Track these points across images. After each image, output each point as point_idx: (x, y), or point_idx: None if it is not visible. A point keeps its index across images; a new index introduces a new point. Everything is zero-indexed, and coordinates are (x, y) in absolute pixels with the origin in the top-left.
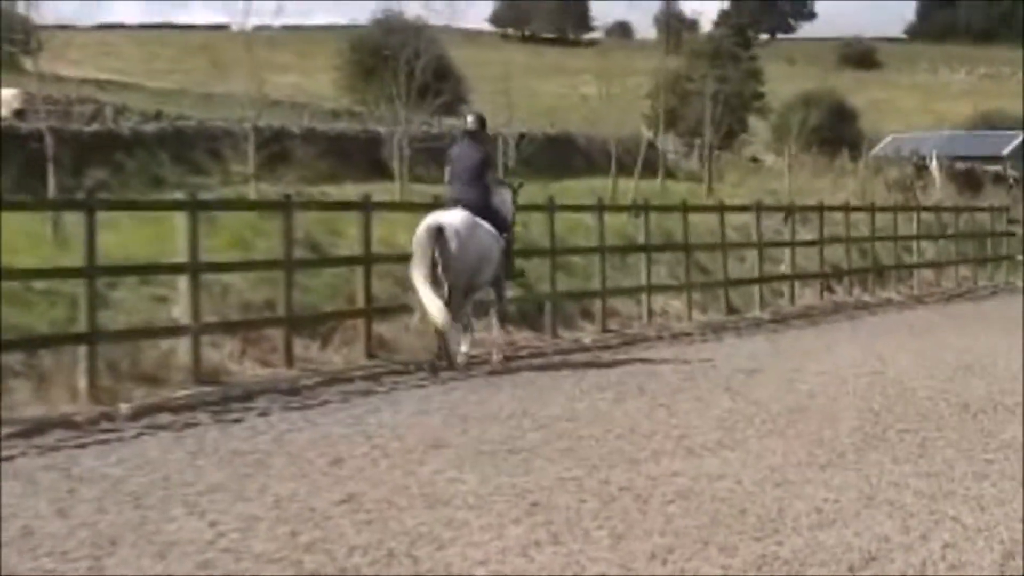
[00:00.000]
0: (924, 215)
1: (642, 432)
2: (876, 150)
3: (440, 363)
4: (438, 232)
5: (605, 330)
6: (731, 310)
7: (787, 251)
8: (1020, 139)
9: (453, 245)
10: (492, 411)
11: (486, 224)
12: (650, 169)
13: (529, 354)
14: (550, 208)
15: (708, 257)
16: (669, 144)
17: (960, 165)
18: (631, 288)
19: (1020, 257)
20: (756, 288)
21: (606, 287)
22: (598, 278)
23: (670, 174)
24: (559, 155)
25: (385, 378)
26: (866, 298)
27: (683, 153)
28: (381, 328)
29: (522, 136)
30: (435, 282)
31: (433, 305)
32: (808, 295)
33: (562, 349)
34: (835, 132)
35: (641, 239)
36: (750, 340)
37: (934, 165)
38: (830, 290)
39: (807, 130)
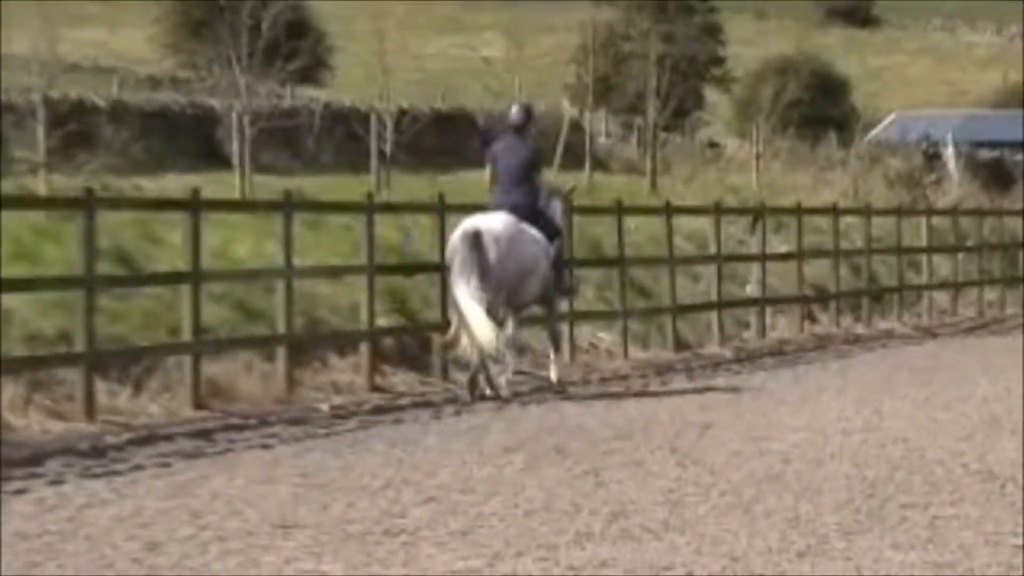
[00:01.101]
0: (937, 220)
1: (562, 508)
2: (874, 134)
3: (479, 391)
4: (476, 238)
5: (515, 372)
6: (681, 345)
7: (755, 267)
8: None
9: (492, 254)
10: (361, 479)
11: (533, 231)
12: (575, 157)
13: (412, 403)
14: (439, 209)
15: (650, 275)
16: (600, 124)
17: (984, 153)
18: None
19: None
20: (714, 316)
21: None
22: None
23: (601, 164)
24: (452, 138)
25: (218, 435)
26: (859, 330)
27: (619, 136)
28: (213, 369)
29: (403, 113)
30: (478, 296)
31: (480, 323)
32: (783, 326)
33: (455, 397)
34: (819, 110)
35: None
36: (705, 385)
37: (950, 153)
38: (812, 319)
39: (781, 107)
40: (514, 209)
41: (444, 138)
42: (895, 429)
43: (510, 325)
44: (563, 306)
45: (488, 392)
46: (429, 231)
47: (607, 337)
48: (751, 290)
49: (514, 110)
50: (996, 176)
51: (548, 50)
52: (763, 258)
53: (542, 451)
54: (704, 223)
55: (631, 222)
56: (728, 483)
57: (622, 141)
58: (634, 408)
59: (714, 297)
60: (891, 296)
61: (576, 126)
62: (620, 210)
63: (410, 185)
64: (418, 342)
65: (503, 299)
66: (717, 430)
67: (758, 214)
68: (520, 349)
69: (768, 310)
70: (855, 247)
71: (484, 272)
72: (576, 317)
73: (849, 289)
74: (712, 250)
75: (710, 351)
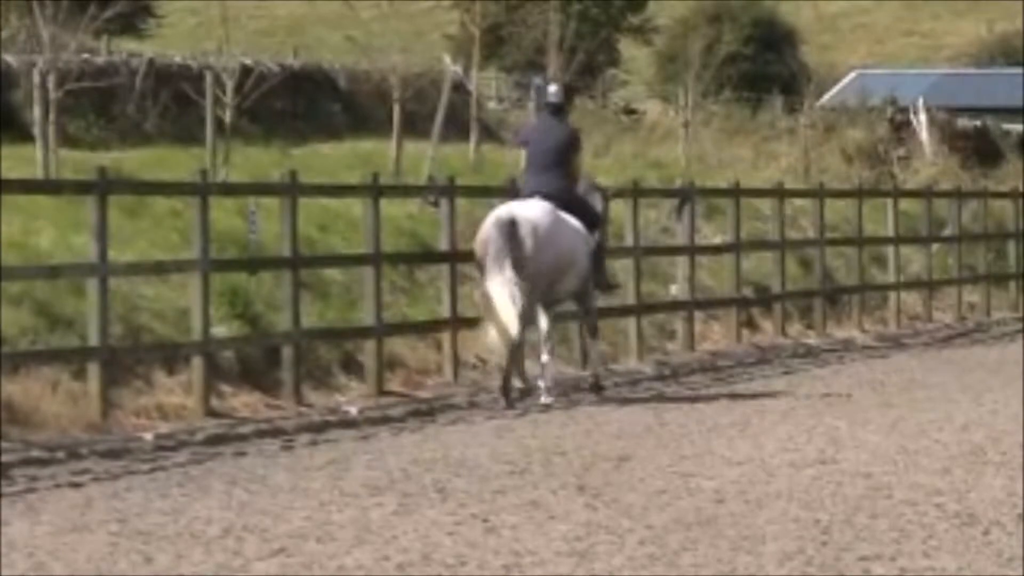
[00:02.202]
0: (906, 204)
1: (443, 560)
2: (829, 96)
3: (514, 392)
4: (511, 227)
5: (383, 391)
6: (510, 370)
7: (682, 262)
8: None
9: (529, 243)
10: (193, 526)
11: (572, 219)
12: (458, 125)
13: (257, 431)
14: (290, 189)
15: None
16: (490, 86)
17: (964, 121)
18: (426, 323)
19: None
20: (631, 323)
21: (383, 321)
22: (371, 306)
23: (491, 134)
24: (307, 102)
25: (16, 471)
26: (811, 339)
27: (512, 100)
28: (10, 389)
29: (246, 71)
30: (513, 289)
31: (509, 315)
32: (717, 334)
33: (311, 423)
34: (762, 67)
35: (442, 242)
36: (621, 408)
37: (922, 120)
38: (752, 326)
39: (715, 63)
40: (548, 195)
41: (297, 102)
42: (855, 462)
43: (544, 322)
44: (599, 302)
45: (519, 390)
46: (277, 217)
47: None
48: (677, 291)
49: (552, 89)
50: (978, 149)
51: None
52: (692, 251)
53: (418, 490)
54: (619, 207)
55: None
56: (649, 529)
57: (517, 106)
58: (533, 436)
59: (631, 300)
60: (850, 298)
61: (460, 87)
62: (514, 192)
63: (255, 160)
64: (264, 355)
65: (540, 291)
66: (635, 463)
67: (686, 197)
68: (552, 348)
69: (698, 315)
70: (806, 237)
71: (519, 264)
72: (462, 324)
73: (798, 289)
74: (628, 241)
75: (627, 366)
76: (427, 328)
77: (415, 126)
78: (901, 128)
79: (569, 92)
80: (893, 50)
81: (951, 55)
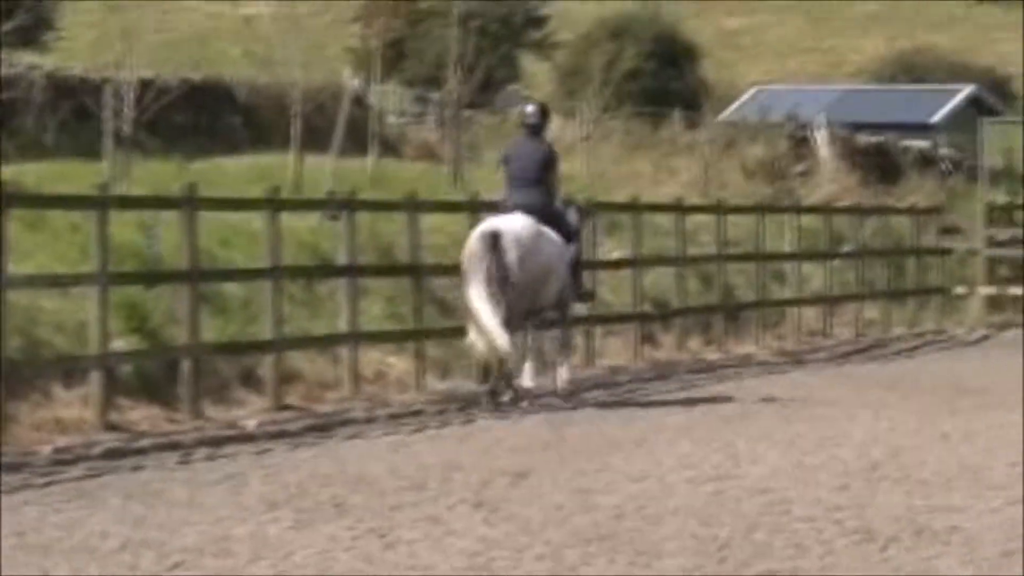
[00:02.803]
0: (806, 220)
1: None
2: (729, 112)
3: (502, 396)
4: (494, 240)
5: (281, 406)
6: (488, 374)
7: (586, 276)
8: (961, 97)
9: (513, 255)
10: (90, 540)
11: (551, 232)
12: (358, 140)
13: (155, 445)
14: (189, 203)
15: (453, 287)
16: (390, 100)
17: (865, 138)
18: (325, 337)
19: (959, 290)
20: (530, 339)
21: (283, 335)
22: (269, 320)
23: (391, 148)
24: (208, 116)
25: None
26: (711, 355)
27: (413, 115)
28: None
29: (146, 84)
30: (494, 300)
31: (495, 326)
32: (615, 350)
33: (209, 438)
34: (662, 82)
35: (342, 256)
36: (518, 423)
37: (822, 136)
38: (651, 342)
39: (616, 79)
40: (529, 210)
41: (197, 115)
42: (753, 477)
43: (529, 329)
44: (577, 311)
45: (507, 399)
46: (177, 230)
47: (398, 363)
48: (576, 306)
49: (530, 109)
50: (879, 166)
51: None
52: (592, 266)
53: (315, 505)
54: None
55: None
56: (547, 544)
57: (417, 120)
58: (430, 451)
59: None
60: (749, 313)
61: (360, 101)
62: (414, 206)
63: (155, 173)
64: (163, 369)
65: (525, 301)
66: (533, 479)
67: (585, 211)
68: (539, 355)
69: (597, 331)
70: (705, 252)
71: (504, 275)
72: (361, 339)
73: (698, 305)
74: None
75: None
76: (326, 342)
77: (316, 140)
78: (801, 144)
79: (545, 112)
80: (794, 66)
81: (852, 71)
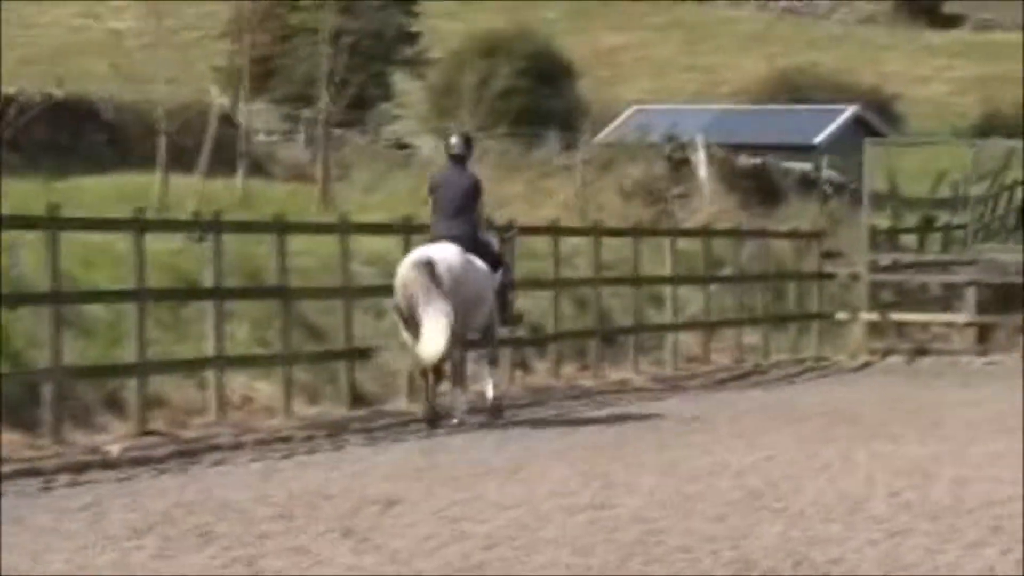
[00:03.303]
0: (684, 243)
1: None
2: (607, 132)
3: (440, 414)
4: (429, 267)
5: (146, 432)
6: (358, 400)
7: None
8: (844, 117)
9: (445, 282)
10: None
11: (478, 260)
12: (225, 159)
13: (15, 471)
14: (50, 223)
15: (322, 310)
16: (259, 118)
17: (744, 159)
18: (190, 361)
19: (841, 315)
20: (402, 362)
21: (147, 359)
22: (134, 344)
23: (259, 168)
24: (71, 133)
25: None
26: (586, 381)
27: (282, 133)
28: None
29: (8, 100)
30: (445, 314)
31: (435, 335)
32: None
33: (72, 463)
34: (537, 101)
35: (208, 278)
36: (390, 451)
37: (701, 157)
38: (525, 367)
39: (490, 97)
40: (456, 239)
41: (60, 133)
42: (630, 507)
43: (456, 354)
44: (503, 332)
45: (455, 420)
46: (39, 251)
47: (265, 388)
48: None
49: (453, 140)
50: (759, 188)
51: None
52: None
53: (180, 534)
54: (390, 244)
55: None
56: (416, 575)
57: (286, 139)
58: (297, 479)
59: (402, 339)
60: (626, 338)
61: (228, 119)
62: (282, 227)
63: (17, 192)
64: (24, 393)
65: (457, 326)
66: (403, 508)
67: (507, 234)
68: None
69: (470, 355)
70: (581, 276)
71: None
72: (226, 363)
73: (573, 329)
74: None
75: (396, 407)
76: (192, 366)
77: (182, 159)
78: (680, 165)
79: (469, 142)
80: (674, 85)
81: (732, 91)
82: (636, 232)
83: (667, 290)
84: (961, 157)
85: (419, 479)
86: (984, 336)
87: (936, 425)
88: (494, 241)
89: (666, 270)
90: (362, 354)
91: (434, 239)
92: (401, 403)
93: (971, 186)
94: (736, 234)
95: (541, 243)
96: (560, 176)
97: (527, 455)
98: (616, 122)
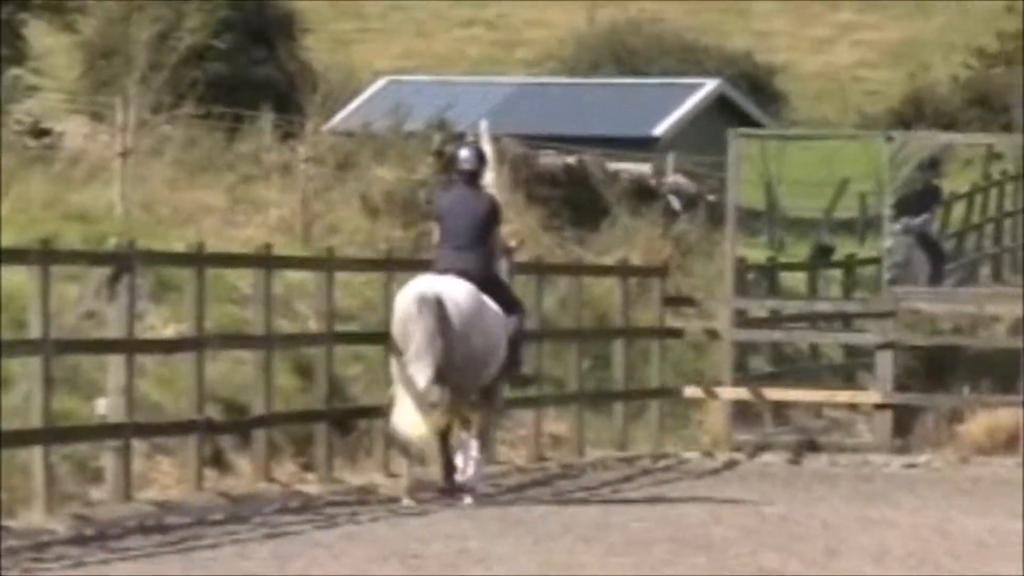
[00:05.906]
0: None
1: None
2: (346, 114)
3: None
4: (438, 307)
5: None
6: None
7: (116, 364)
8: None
9: (456, 326)
10: None
11: (491, 302)
12: None
13: None
14: None
15: None
16: None
17: (552, 158)
18: None
19: (692, 391)
20: (37, 456)
21: None
22: None
23: None
24: None
25: None
26: (312, 486)
27: None
28: None
29: None
30: (437, 373)
31: (423, 411)
32: (167, 475)
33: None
34: (244, 67)
35: None
36: None
37: (486, 152)
38: (220, 464)
39: (173, 62)
40: (465, 274)
41: None
42: None
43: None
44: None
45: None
46: None
47: None
48: (105, 409)
49: (464, 153)
50: (572, 200)
51: None
52: (131, 347)
53: None
54: (22, 277)
55: None
56: None
57: None
58: None
59: (36, 421)
60: (371, 423)
61: None
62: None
63: None
64: None
65: (471, 376)
66: None
67: (124, 264)
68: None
69: (138, 447)
70: (304, 329)
71: (451, 345)
72: None
73: (292, 410)
74: (36, 331)
75: (28, 522)
76: None
77: None
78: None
79: (482, 156)
80: (445, 49)
81: (534, 56)
82: (388, 264)
83: None
84: (873, 157)
85: None
86: (904, 424)
87: (831, 556)
88: (503, 269)
89: None
90: None
91: (438, 271)
92: (35, 517)
93: (887, 199)
94: (536, 269)
95: (243, 278)
96: (276, 179)
97: None
98: (359, 99)
